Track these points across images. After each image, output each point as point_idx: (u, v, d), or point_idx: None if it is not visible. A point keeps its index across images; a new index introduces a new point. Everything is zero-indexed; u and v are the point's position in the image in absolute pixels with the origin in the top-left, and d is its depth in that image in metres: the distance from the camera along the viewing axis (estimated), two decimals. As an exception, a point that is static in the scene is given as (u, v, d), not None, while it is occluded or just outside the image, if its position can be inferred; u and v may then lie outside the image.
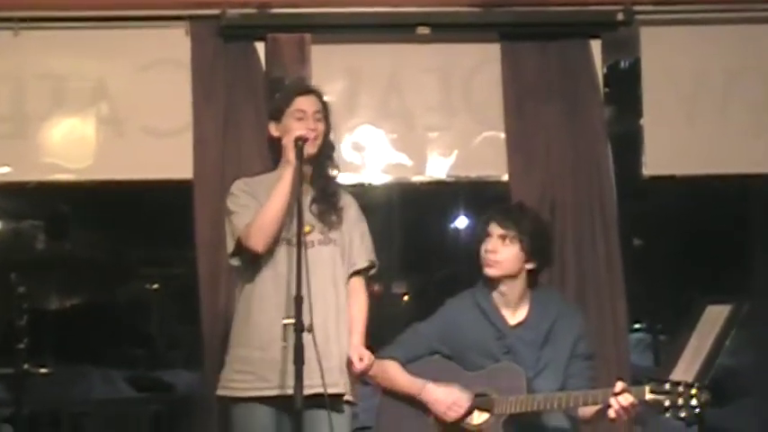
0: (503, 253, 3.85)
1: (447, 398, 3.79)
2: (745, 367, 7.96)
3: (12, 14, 4.78)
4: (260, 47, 4.83)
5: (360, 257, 3.81)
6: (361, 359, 3.68)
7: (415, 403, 3.85)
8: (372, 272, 3.89)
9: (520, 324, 3.88)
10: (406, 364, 3.91)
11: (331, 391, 3.48)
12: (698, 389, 3.38)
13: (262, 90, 4.74)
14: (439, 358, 3.93)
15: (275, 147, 3.80)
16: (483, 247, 3.89)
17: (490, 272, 3.88)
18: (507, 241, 3.85)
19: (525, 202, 4.30)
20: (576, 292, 4.72)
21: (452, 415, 3.78)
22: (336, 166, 3.89)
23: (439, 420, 3.82)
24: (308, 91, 3.85)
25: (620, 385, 3.52)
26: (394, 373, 3.90)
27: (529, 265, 3.88)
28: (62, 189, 5.25)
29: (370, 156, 4.96)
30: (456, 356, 3.90)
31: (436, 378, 3.85)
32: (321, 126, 3.74)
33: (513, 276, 3.87)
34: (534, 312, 3.90)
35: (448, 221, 12.02)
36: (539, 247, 3.88)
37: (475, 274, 3.97)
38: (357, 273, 3.81)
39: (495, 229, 3.88)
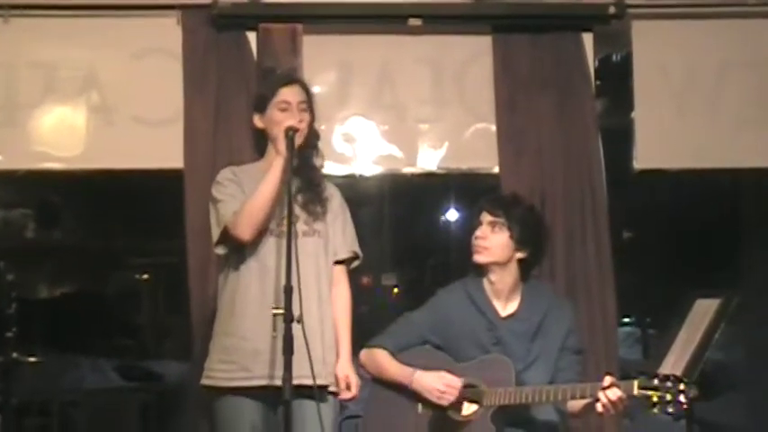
0: (491, 240, 3.87)
1: (438, 383, 3.79)
2: (733, 361, 7.97)
3: (2, 2, 4.77)
4: (251, 37, 4.83)
5: (341, 248, 3.82)
6: (348, 387, 3.69)
7: (405, 392, 3.86)
8: (355, 263, 3.89)
9: (511, 316, 3.89)
10: (397, 353, 3.92)
11: (311, 382, 3.47)
12: (686, 384, 3.39)
13: (253, 80, 4.73)
14: (429, 348, 3.94)
15: (259, 137, 3.80)
16: (474, 235, 3.91)
17: (479, 258, 3.90)
18: (497, 228, 3.87)
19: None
20: (565, 284, 4.73)
21: (448, 398, 3.78)
22: (321, 156, 3.89)
23: (429, 407, 3.83)
24: (293, 81, 3.84)
25: (608, 379, 3.53)
26: (383, 362, 3.91)
27: (519, 255, 3.89)
28: (52, 178, 5.22)
29: (361, 147, 4.96)
30: (446, 346, 3.91)
31: (425, 368, 3.85)
32: (306, 117, 3.73)
33: (502, 264, 3.88)
34: (525, 305, 3.90)
35: (439, 213, 12.02)
36: (529, 237, 3.89)
37: (466, 264, 3.98)
38: (340, 263, 3.82)
39: (486, 217, 3.91)
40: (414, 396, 3.86)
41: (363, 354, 3.98)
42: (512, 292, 3.92)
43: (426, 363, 3.88)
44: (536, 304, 3.91)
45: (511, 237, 3.87)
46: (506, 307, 3.92)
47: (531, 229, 3.92)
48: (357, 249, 3.87)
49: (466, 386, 3.80)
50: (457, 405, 3.80)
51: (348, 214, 3.89)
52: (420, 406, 3.86)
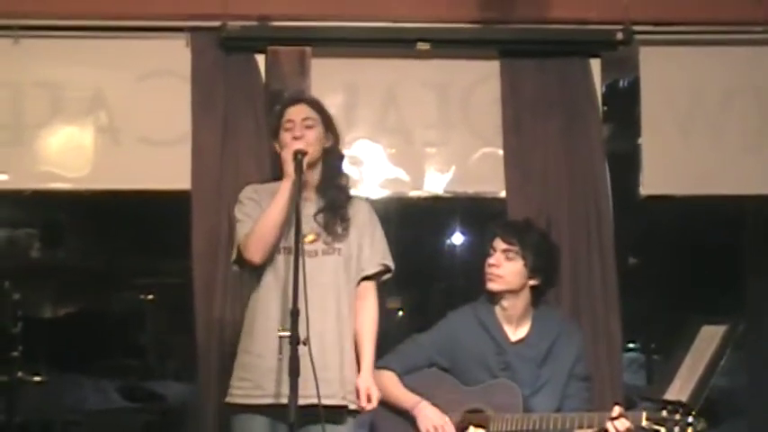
0: (505, 268, 3.85)
1: (436, 419, 3.79)
2: (738, 388, 7.95)
3: (12, 22, 4.77)
4: (260, 59, 4.83)
5: (369, 262, 3.78)
6: (369, 399, 3.66)
7: (410, 416, 3.85)
8: (387, 276, 3.86)
9: (520, 341, 3.88)
10: (404, 374, 3.91)
11: (328, 402, 3.48)
12: (694, 417, 3.38)
13: (261, 102, 4.74)
14: (436, 371, 3.93)
15: (279, 163, 3.82)
16: (486, 262, 3.89)
17: (492, 286, 3.88)
18: (510, 256, 3.86)
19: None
20: (570, 309, 4.71)
21: None
22: (346, 177, 3.89)
23: None
24: (298, 100, 3.87)
25: (617, 410, 3.52)
26: (390, 384, 3.90)
27: (532, 282, 3.88)
28: (58, 198, 5.21)
29: (367, 170, 4.95)
30: (454, 369, 3.90)
31: (432, 390, 3.85)
32: (311, 133, 3.72)
33: (515, 292, 3.87)
34: (535, 330, 3.89)
35: (445, 237, 12.03)
36: (543, 265, 3.88)
37: (471, 289, 3.97)
38: (368, 278, 3.79)
39: (499, 244, 3.89)
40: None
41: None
42: (522, 317, 3.91)
43: (433, 385, 3.87)
44: (546, 330, 3.90)
45: (525, 265, 3.85)
46: (516, 332, 3.91)
47: (544, 256, 3.91)
48: (387, 262, 3.82)
49: (473, 411, 3.78)
50: (464, 429, 3.79)
51: (378, 228, 3.85)
52: None
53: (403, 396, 3.88)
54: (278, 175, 3.78)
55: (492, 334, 3.88)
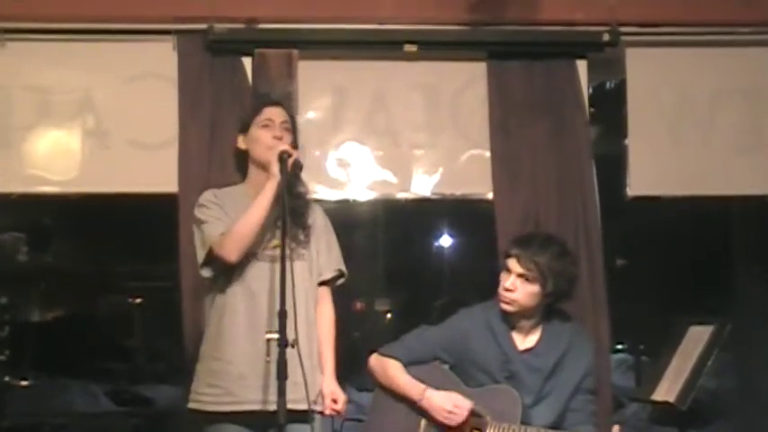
0: (520, 291, 3.81)
1: (447, 403, 3.77)
2: (725, 389, 7.97)
3: (-1, 25, 4.78)
4: (247, 62, 4.83)
5: (327, 267, 3.84)
6: (335, 401, 3.69)
7: (409, 404, 3.84)
8: (340, 281, 3.91)
9: (528, 350, 3.85)
10: (407, 365, 3.90)
11: (297, 407, 3.48)
12: None
13: (248, 105, 4.74)
14: (439, 367, 3.91)
15: (242, 160, 3.83)
16: (501, 283, 3.84)
17: (506, 308, 3.83)
18: (526, 279, 3.79)
19: (550, 233, 4.25)
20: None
21: (455, 419, 3.77)
22: (304, 185, 3.89)
23: (432, 425, 3.81)
24: (276, 103, 3.90)
25: (616, 428, 3.52)
26: (395, 373, 3.90)
27: (547, 300, 3.84)
28: (46, 201, 5.19)
29: (355, 172, 4.96)
30: (457, 367, 3.89)
31: (433, 387, 3.83)
32: (288, 136, 3.75)
33: (529, 310, 3.83)
34: (545, 341, 3.86)
35: (432, 239, 12.03)
36: (560, 287, 3.82)
37: (459, 290, 3.97)
38: (324, 283, 3.84)
39: (515, 267, 3.82)
40: (417, 410, 3.84)
41: (374, 360, 3.96)
42: (533, 326, 3.88)
43: (435, 382, 3.86)
44: (556, 341, 3.86)
45: (542, 288, 3.79)
46: (525, 340, 3.87)
47: (562, 278, 3.83)
48: (342, 267, 3.89)
49: (472, 413, 3.77)
50: (460, 430, 3.78)
51: (332, 233, 3.92)
52: (423, 422, 3.84)
53: (408, 386, 3.86)
54: (242, 171, 3.80)
55: (499, 341, 3.84)
